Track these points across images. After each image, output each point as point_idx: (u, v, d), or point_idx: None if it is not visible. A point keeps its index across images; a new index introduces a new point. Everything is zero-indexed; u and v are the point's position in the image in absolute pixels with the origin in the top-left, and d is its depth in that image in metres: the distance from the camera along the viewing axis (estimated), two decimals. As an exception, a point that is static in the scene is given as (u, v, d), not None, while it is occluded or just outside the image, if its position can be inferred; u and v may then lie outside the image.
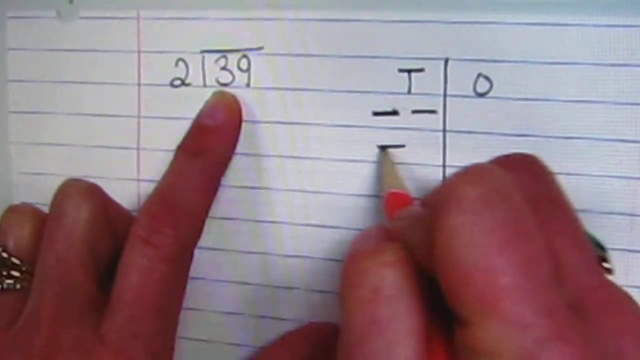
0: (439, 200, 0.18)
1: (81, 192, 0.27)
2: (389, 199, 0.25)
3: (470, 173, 0.18)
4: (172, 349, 0.27)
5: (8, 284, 0.28)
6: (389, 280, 0.19)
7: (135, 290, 0.26)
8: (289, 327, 0.30)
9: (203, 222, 0.29)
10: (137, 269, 0.26)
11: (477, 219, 0.17)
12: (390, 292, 0.19)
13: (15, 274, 0.28)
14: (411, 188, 0.28)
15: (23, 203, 0.31)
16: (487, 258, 0.17)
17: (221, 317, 0.31)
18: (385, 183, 0.26)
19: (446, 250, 0.17)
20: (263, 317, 0.30)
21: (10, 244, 0.28)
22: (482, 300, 0.16)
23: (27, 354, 0.25)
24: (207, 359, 0.31)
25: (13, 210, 0.30)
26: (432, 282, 0.19)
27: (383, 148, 0.28)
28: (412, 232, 0.20)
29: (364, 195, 0.28)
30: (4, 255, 0.28)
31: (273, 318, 0.30)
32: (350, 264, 0.20)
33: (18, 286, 0.28)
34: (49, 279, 0.26)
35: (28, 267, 0.28)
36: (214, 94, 0.30)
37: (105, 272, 0.28)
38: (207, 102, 0.30)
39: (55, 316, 0.25)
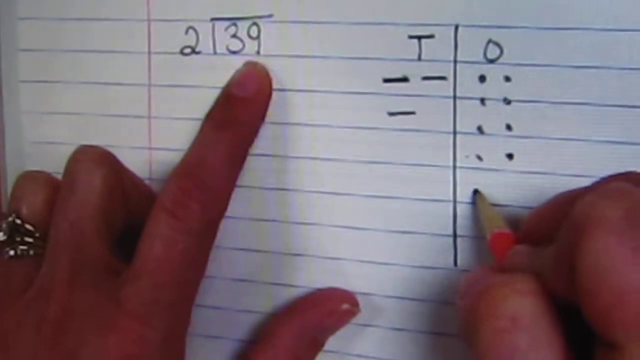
0: (577, 225, 0.17)
1: (94, 158, 0.28)
2: (494, 240, 0.25)
3: (605, 194, 0.18)
4: (189, 317, 0.27)
5: (22, 249, 0.28)
6: (527, 308, 0.18)
7: (159, 259, 0.26)
8: (301, 293, 0.30)
9: (229, 197, 0.28)
10: (161, 239, 0.26)
11: (624, 239, 0.17)
12: (529, 320, 0.18)
13: (29, 240, 0.28)
14: (420, 155, 0.28)
15: (36, 170, 0.31)
16: None
17: (233, 284, 0.31)
18: (487, 224, 0.26)
19: (594, 273, 0.17)
20: (275, 284, 0.30)
21: (24, 210, 0.29)
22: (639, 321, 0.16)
23: (41, 319, 0.25)
24: (219, 326, 0.31)
25: (26, 176, 0.30)
26: (561, 312, 0.18)
27: (476, 191, 0.27)
28: (538, 262, 0.20)
29: (375, 162, 0.28)
30: (18, 221, 0.28)
31: (285, 285, 0.30)
32: (482, 296, 0.19)
33: (31, 252, 0.28)
34: (62, 245, 0.27)
35: (41, 233, 0.28)
36: (245, 64, 0.29)
37: (119, 238, 0.28)
38: (237, 72, 0.29)
39: (70, 282, 0.26)
